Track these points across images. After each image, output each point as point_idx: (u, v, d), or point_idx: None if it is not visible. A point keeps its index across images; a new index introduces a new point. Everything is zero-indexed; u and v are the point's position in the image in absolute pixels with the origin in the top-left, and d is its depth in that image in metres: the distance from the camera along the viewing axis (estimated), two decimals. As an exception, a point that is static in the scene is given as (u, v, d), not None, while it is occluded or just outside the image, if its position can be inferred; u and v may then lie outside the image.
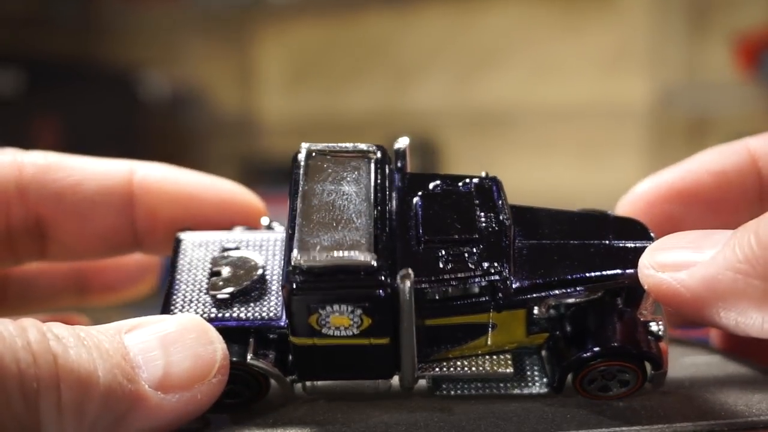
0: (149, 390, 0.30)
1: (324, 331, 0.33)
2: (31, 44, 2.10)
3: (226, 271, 0.37)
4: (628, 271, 0.35)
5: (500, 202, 0.37)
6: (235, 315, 0.36)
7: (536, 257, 0.36)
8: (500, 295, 0.35)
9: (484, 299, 0.35)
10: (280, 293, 0.36)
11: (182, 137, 2.33)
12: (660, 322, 0.36)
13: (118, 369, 0.29)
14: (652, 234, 0.37)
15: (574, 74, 1.89)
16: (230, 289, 0.36)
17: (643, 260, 0.33)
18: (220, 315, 0.36)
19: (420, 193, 0.37)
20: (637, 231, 0.38)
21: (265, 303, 0.36)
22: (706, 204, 0.41)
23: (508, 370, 0.36)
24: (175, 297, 0.37)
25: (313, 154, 0.37)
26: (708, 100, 1.74)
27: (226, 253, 0.39)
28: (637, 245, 0.36)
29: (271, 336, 0.36)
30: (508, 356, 0.36)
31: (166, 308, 0.37)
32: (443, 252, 0.35)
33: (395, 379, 0.36)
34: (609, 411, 0.35)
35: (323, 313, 0.33)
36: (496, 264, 0.34)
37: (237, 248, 0.39)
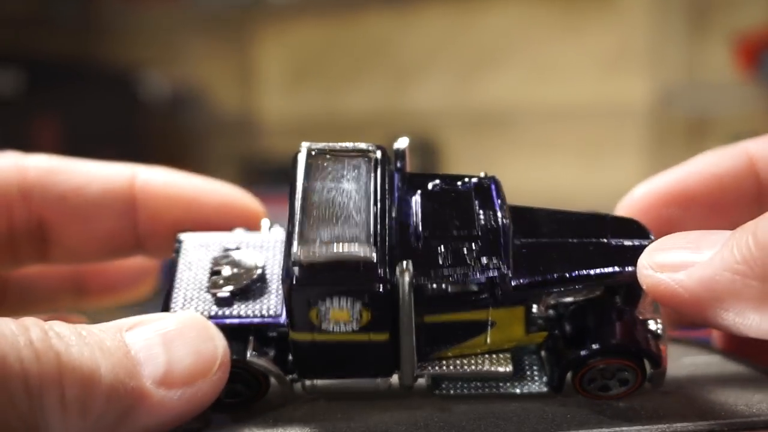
0: (152, 387, 0.30)
1: (324, 326, 0.33)
2: (31, 44, 2.10)
3: (226, 271, 0.37)
4: (626, 268, 0.35)
5: (499, 200, 0.37)
6: (235, 313, 0.36)
7: (535, 255, 0.36)
8: (499, 291, 0.35)
9: (482, 295, 0.35)
10: (280, 292, 0.36)
11: (182, 137, 2.33)
12: (659, 321, 0.36)
13: (120, 366, 0.29)
14: (650, 233, 0.37)
15: (574, 74, 1.89)
16: (230, 288, 0.36)
17: (642, 260, 0.33)
18: (220, 313, 0.36)
19: (419, 192, 0.37)
20: (636, 230, 0.38)
21: (265, 301, 0.36)
22: (704, 207, 0.41)
23: (507, 369, 0.36)
24: (175, 296, 0.37)
25: (313, 152, 0.38)
26: (708, 100, 1.75)
27: (226, 253, 0.39)
28: (635, 243, 0.36)
29: (271, 335, 0.36)
30: (508, 355, 0.37)
31: (166, 307, 0.37)
32: (442, 248, 0.35)
33: (395, 378, 0.36)
34: (609, 411, 0.35)
35: (323, 307, 0.33)
36: (494, 259, 0.35)
37: (237, 248, 0.39)
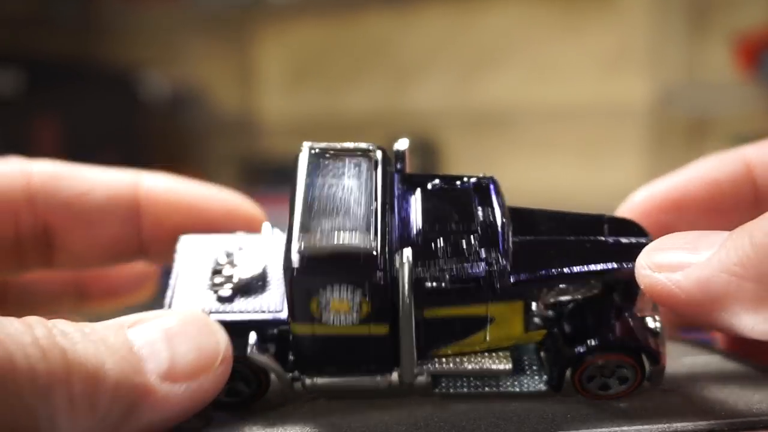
0: (156, 382, 0.30)
1: (324, 317, 0.34)
2: (31, 44, 2.10)
3: (227, 270, 0.38)
4: (623, 265, 0.36)
5: (498, 199, 0.38)
6: (235, 309, 0.36)
7: (533, 251, 0.36)
8: (498, 284, 0.35)
9: (481, 288, 0.35)
10: (281, 290, 0.37)
11: (182, 137, 2.33)
12: (657, 319, 0.36)
13: (125, 362, 0.29)
14: (647, 232, 0.38)
15: (574, 74, 1.89)
16: (231, 286, 0.37)
17: (640, 260, 0.34)
18: (221, 310, 0.36)
19: (419, 190, 0.38)
20: (632, 229, 0.38)
21: (266, 298, 0.37)
22: (702, 213, 0.42)
23: (507, 366, 0.36)
24: (176, 294, 0.37)
25: (315, 151, 0.38)
26: (708, 100, 1.75)
27: (227, 253, 0.39)
28: (632, 241, 0.37)
29: (272, 332, 0.36)
30: (507, 353, 0.37)
31: (167, 304, 0.37)
32: (441, 241, 0.35)
33: (395, 377, 0.36)
34: (609, 411, 0.35)
35: (323, 298, 0.33)
36: (493, 253, 0.35)
37: (239, 249, 0.40)
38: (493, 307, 0.35)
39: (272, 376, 0.36)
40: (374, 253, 0.33)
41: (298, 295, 0.33)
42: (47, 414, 0.27)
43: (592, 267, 0.36)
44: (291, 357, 0.36)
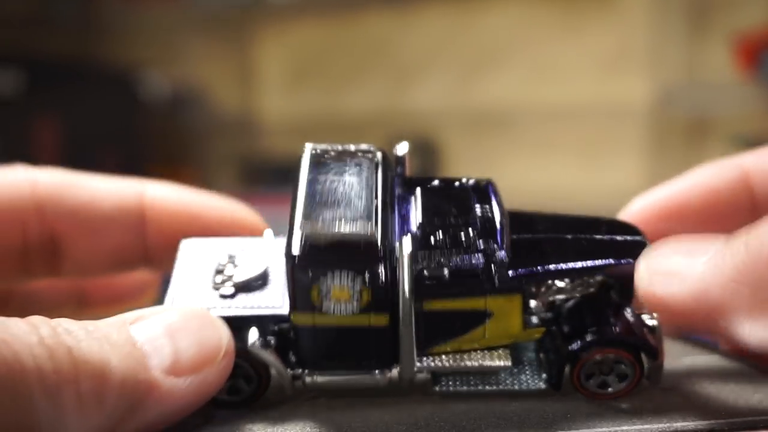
0: (160, 377, 0.30)
1: (325, 306, 0.34)
2: (31, 44, 2.10)
3: (229, 269, 0.38)
4: (620, 260, 0.37)
5: (495, 198, 0.39)
6: (236, 305, 0.36)
7: (531, 247, 0.37)
8: (496, 276, 0.36)
9: (480, 279, 0.36)
10: (281, 288, 0.37)
11: (182, 137, 2.33)
12: (654, 316, 0.37)
13: (130, 359, 0.30)
14: (641, 232, 0.39)
15: (574, 74, 1.89)
16: (232, 284, 0.37)
17: (639, 268, 0.34)
18: (222, 306, 0.36)
19: (418, 189, 0.39)
20: (628, 229, 0.39)
21: (267, 295, 0.37)
22: (700, 221, 0.42)
23: (506, 363, 0.36)
24: (177, 293, 0.38)
25: (317, 151, 0.39)
26: (708, 100, 1.75)
27: (229, 254, 0.40)
28: (628, 239, 0.38)
29: (273, 329, 0.36)
30: (507, 350, 0.37)
31: (168, 302, 0.37)
32: (440, 233, 0.36)
33: (395, 373, 0.36)
34: (609, 411, 0.35)
35: (324, 285, 0.34)
36: (491, 244, 0.36)
37: (241, 250, 0.40)
38: (491, 300, 0.36)
39: (272, 375, 0.36)
40: (375, 240, 0.34)
41: (299, 283, 0.34)
42: (57, 414, 0.27)
43: (589, 263, 0.37)
44: (292, 357, 0.36)
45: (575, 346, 0.36)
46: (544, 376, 0.37)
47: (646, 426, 0.33)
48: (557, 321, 0.38)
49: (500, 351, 0.37)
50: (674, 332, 0.43)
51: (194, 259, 0.40)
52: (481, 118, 1.99)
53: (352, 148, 0.39)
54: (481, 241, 0.36)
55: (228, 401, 0.36)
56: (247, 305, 0.36)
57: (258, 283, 0.37)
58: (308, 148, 0.39)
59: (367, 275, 0.34)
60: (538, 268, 0.37)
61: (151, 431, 0.31)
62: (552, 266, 0.37)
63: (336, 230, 0.34)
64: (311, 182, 0.37)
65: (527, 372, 0.37)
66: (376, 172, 0.38)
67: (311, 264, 0.34)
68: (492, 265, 0.35)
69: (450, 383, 0.37)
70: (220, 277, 0.38)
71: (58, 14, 2.17)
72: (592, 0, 1.87)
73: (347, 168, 0.38)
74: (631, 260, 0.37)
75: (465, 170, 0.41)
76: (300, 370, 0.36)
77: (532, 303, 0.38)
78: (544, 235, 0.38)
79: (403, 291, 0.34)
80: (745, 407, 0.34)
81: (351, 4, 2.07)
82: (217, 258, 0.39)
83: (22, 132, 1.82)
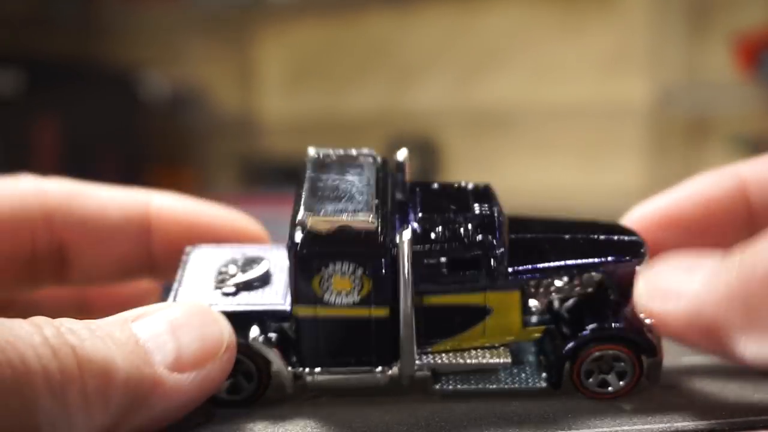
0: (164, 373, 0.31)
1: (326, 297, 0.35)
2: (31, 44, 2.10)
3: (232, 270, 0.39)
4: (618, 257, 0.38)
5: (494, 199, 0.39)
6: (238, 302, 0.37)
7: (529, 245, 0.38)
8: (494, 269, 0.36)
9: (478, 269, 0.36)
10: (283, 286, 0.38)
11: (182, 137, 2.33)
12: None
13: (133, 356, 0.30)
14: (636, 234, 0.40)
15: (574, 75, 1.89)
16: (234, 284, 0.38)
17: (638, 285, 0.35)
18: (223, 303, 0.37)
19: (418, 189, 0.40)
20: (625, 231, 0.40)
21: (268, 292, 0.38)
22: (697, 230, 0.43)
23: (506, 360, 0.37)
24: (181, 292, 0.38)
25: (320, 155, 0.40)
26: (708, 100, 1.75)
27: (232, 257, 0.40)
28: (624, 239, 0.39)
29: (273, 326, 0.37)
30: (507, 348, 0.38)
31: (170, 299, 0.38)
32: (440, 227, 0.37)
33: (396, 372, 0.36)
34: (610, 411, 0.35)
35: (326, 274, 0.35)
36: (489, 237, 0.36)
37: (243, 255, 0.41)
38: (491, 295, 0.37)
39: (272, 374, 0.36)
40: (375, 230, 0.35)
41: (301, 273, 0.35)
42: (61, 412, 0.27)
43: (587, 260, 0.38)
44: (293, 357, 0.36)
45: (574, 343, 0.36)
46: (544, 375, 0.37)
47: (646, 425, 0.33)
48: (556, 320, 0.38)
49: (500, 349, 0.37)
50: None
51: (198, 264, 0.40)
52: (481, 119, 1.99)
53: (354, 152, 0.41)
54: (480, 235, 0.36)
55: (229, 400, 0.36)
56: (248, 301, 0.37)
57: (259, 282, 0.38)
58: (312, 151, 0.40)
59: (367, 264, 0.34)
60: (537, 265, 0.37)
61: (155, 427, 0.31)
62: (550, 263, 0.37)
63: (338, 218, 0.35)
64: (314, 180, 0.38)
65: (527, 371, 0.38)
66: (377, 173, 0.39)
67: (313, 253, 0.34)
68: (491, 259, 0.36)
69: (450, 382, 0.37)
70: (222, 277, 0.39)
71: (58, 14, 2.17)
72: (592, 0, 1.87)
73: (349, 168, 0.39)
74: (628, 258, 0.37)
75: (465, 170, 0.42)
76: (301, 369, 0.36)
77: (531, 303, 0.38)
78: (543, 235, 0.39)
79: (404, 278, 0.34)
80: (745, 407, 0.35)
81: (351, 4, 2.07)
82: (220, 262, 0.40)
83: (22, 132, 1.82)
